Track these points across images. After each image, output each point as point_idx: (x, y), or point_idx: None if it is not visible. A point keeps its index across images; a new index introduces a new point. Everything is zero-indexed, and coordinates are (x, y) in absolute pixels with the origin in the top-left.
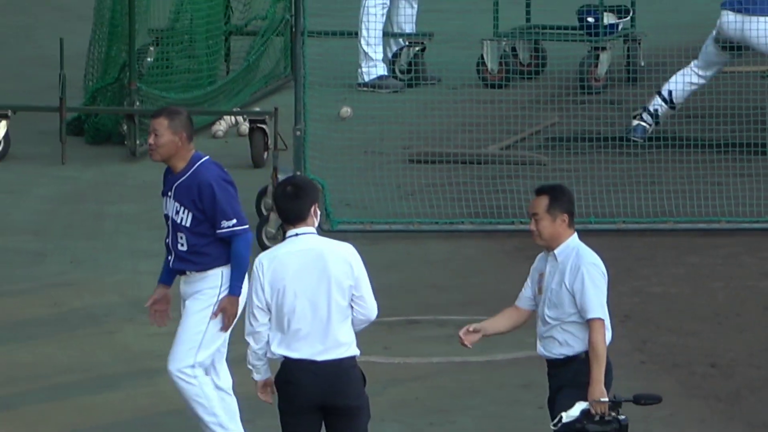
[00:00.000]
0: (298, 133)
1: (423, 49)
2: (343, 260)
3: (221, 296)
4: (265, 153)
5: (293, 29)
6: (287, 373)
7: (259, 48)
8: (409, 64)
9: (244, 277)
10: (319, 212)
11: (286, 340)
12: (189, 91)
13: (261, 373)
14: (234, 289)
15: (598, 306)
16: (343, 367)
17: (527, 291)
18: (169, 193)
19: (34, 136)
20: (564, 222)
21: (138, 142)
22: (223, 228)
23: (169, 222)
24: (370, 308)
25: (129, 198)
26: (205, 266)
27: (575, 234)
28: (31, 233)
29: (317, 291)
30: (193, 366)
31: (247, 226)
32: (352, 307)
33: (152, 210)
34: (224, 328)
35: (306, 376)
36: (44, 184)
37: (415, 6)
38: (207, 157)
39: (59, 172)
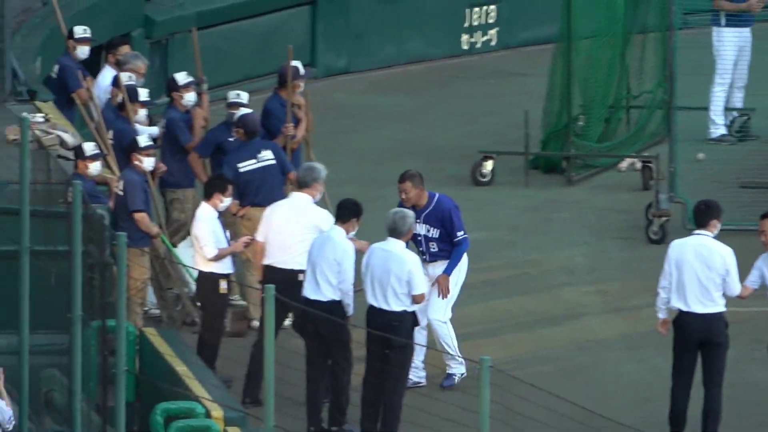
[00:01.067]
0: (672, 169)
1: (748, 118)
2: (718, 255)
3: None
4: (651, 181)
5: (669, 105)
6: (679, 320)
7: (647, 116)
8: (740, 126)
9: (456, 266)
10: (718, 224)
11: (681, 298)
12: (602, 142)
13: (662, 314)
14: (447, 270)
15: None
16: (714, 317)
17: (753, 277)
18: (418, 220)
19: (509, 170)
20: None
21: (572, 174)
22: (458, 237)
23: (421, 237)
24: (730, 290)
25: (567, 210)
26: (447, 257)
27: None
28: (507, 230)
29: (702, 271)
30: (447, 317)
31: (467, 236)
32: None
33: (582, 217)
34: (443, 296)
35: (692, 322)
36: (515, 199)
37: (743, 92)
38: (440, 194)
39: (524, 192)
